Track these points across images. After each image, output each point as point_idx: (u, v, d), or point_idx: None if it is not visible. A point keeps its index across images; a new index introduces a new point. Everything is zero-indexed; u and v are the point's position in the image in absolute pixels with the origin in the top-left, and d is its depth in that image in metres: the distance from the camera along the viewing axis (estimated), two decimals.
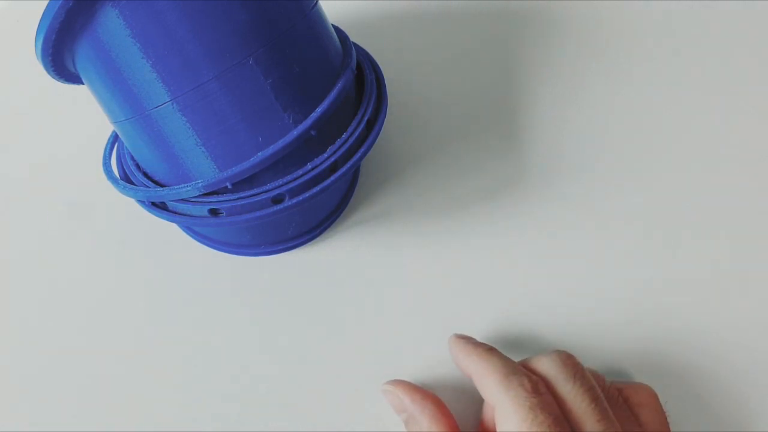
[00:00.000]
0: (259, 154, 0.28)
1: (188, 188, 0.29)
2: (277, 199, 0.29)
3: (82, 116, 0.41)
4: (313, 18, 0.29)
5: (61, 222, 0.39)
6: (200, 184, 0.28)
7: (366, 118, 0.30)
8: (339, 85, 0.29)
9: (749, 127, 0.41)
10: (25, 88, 0.43)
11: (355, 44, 0.34)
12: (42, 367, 0.35)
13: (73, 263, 0.37)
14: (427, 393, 0.29)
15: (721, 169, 0.40)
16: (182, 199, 0.30)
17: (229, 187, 0.29)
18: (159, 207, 0.31)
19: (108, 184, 0.33)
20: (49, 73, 0.29)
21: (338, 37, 0.33)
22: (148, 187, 0.31)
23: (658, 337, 0.35)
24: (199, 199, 0.29)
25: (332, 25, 0.34)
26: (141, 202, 0.32)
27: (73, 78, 0.30)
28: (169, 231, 0.38)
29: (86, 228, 0.38)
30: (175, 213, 0.31)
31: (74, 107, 0.41)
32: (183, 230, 0.38)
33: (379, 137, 0.32)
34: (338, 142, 0.29)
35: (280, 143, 0.28)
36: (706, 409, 0.33)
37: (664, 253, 0.37)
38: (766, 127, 0.41)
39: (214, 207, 0.29)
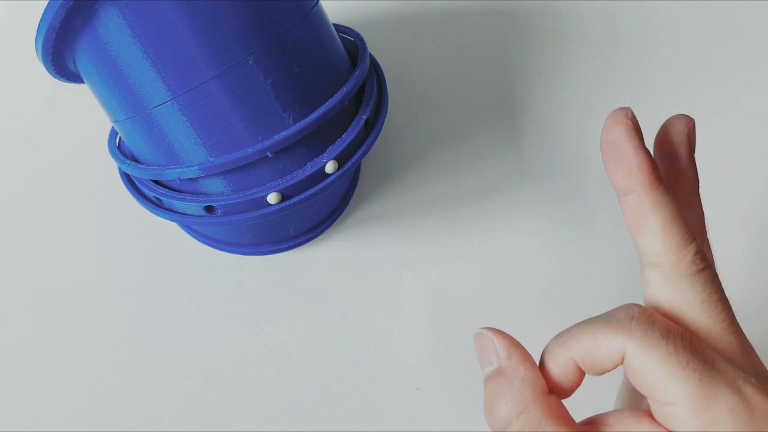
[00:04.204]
0: (256, 146, 0.28)
1: (184, 169, 0.28)
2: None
3: (83, 116, 0.41)
4: (313, 18, 0.29)
5: (62, 222, 0.39)
6: (196, 168, 0.28)
7: (365, 118, 0.30)
8: (344, 90, 0.29)
9: (756, 129, 0.41)
10: (26, 88, 0.43)
11: None
12: (42, 365, 0.35)
13: (73, 263, 0.37)
14: (527, 354, 0.23)
15: (723, 168, 0.40)
16: (178, 192, 0.30)
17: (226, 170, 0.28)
18: (157, 205, 0.31)
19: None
20: (49, 71, 0.29)
21: (353, 41, 0.33)
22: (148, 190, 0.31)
23: None
24: (196, 198, 0.29)
25: (350, 29, 0.34)
26: (139, 199, 0.32)
27: (73, 77, 0.30)
28: (170, 230, 0.38)
29: (87, 228, 0.38)
30: (173, 211, 0.31)
31: (75, 107, 0.41)
32: (183, 229, 0.38)
33: (379, 137, 0.31)
34: (338, 142, 0.29)
35: (277, 138, 0.27)
36: None
37: None
38: None
39: (211, 204, 0.29)
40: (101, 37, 0.26)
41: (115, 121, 0.30)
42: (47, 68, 0.29)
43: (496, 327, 0.31)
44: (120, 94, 0.28)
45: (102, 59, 0.27)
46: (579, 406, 0.23)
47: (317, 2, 0.30)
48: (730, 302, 0.21)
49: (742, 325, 0.21)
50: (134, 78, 0.27)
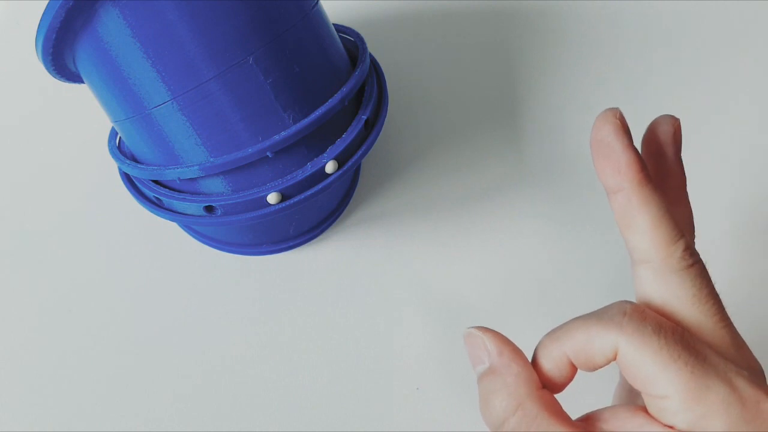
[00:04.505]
0: (256, 146, 0.28)
1: (184, 169, 0.28)
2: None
3: (83, 116, 0.41)
4: (313, 18, 0.29)
5: (62, 222, 0.39)
6: (196, 168, 0.28)
7: (365, 118, 0.30)
8: (344, 90, 0.29)
9: (756, 129, 0.41)
10: (25, 88, 0.43)
11: None
12: (42, 365, 0.35)
13: (73, 263, 0.38)
14: (518, 350, 0.23)
15: (724, 169, 0.40)
16: (179, 192, 0.30)
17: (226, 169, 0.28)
18: (157, 205, 0.31)
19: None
20: (49, 71, 0.29)
21: (353, 41, 0.33)
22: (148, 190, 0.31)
23: None
24: (196, 198, 0.29)
25: (350, 29, 0.34)
26: (139, 199, 0.32)
27: (73, 77, 0.30)
28: (170, 230, 0.38)
29: (87, 228, 0.38)
30: (173, 211, 0.31)
31: (75, 107, 0.41)
32: (183, 229, 0.38)
33: (379, 137, 0.31)
34: (338, 142, 0.29)
35: (277, 138, 0.28)
36: None
37: None
38: None
39: (211, 204, 0.29)
40: (101, 37, 0.26)
41: (115, 121, 0.30)
42: (47, 68, 0.29)
43: (496, 327, 0.31)
44: (120, 94, 0.28)
45: (102, 59, 0.27)
46: (577, 404, 0.23)
47: (317, 2, 0.30)
48: (722, 299, 0.21)
49: (740, 325, 0.21)
50: (134, 78, 0.27)
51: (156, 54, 0.26)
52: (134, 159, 0.32)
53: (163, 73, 0.26)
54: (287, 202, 0.29)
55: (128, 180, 0.33)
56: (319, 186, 0.29)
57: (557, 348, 0.22)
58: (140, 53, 0.26)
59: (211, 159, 0.28)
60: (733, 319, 0.21)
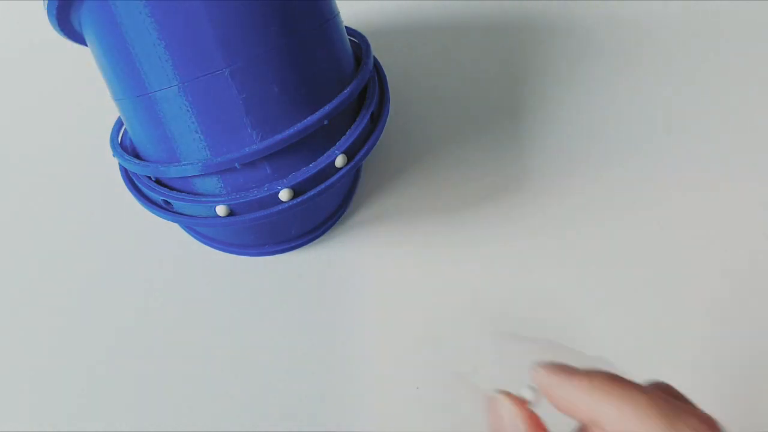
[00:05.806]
0: (262, 143, 0.28)
1: (187, 167, 0.28)
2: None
3: (84, 117, 0.41)
4: (332, 26, 0.30)
5: (64, 224, 0.38)
6: (199, 165, 0.28)
7: (371, 111, 0.31)
8: (352, 87, 0.30)
9: (755, 130, 0.42)
10: (27, 89, 0.43)
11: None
12: (41, 366, 0.35)
13: (74, 264, 0.37)
14: (534, 416, 0.23)
15: (724, 170, 0.40)
16: (188, 193, 0.30)
17: (238, 167, 0.28)
18: (164, 208, 0.31)
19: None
20: (51, 22, 0.29)
21: (357, 42, 0.34)
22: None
23: (661, 337, 0.35)
24: (203, 199, 0.29)
25: (358, 32, 0.35)
26: (146, 203, 0.31)
27: (76, 36, 0.30)
28: (171, 232, 0.38)
29: (89, 230, 0.38)
30: (182, 214, 0.30)
31: (75, 108, 0.41)
32: (185, 230, 0.38)
33: (380, 139, 0.32)
34: (344, 137, 0.30)
35: (285, 134, 0.28)
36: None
37: (666, 254, 0.37)
38: None
39: (222, 204, 0.29)
40: (109, 6, 0.26)
41: (118, 99, 0.30)
42: (51, 21, 0.28)
43: (499, 326, 0.31)
44: (125, 69, 0.27)
45: (108, 28, 0.27)
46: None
47: (337, 14, 0.31)
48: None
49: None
50: (141, 60, 0.26)
51: (168, 37, 0.26)
52: (137, 156, 0.32)
53: (175, 58, 0.26)
54: (300, 198, 0.29)
55: (132, 184, 0.33)
56: (330, 180, 0.29)
57: (584, 406, 0.21)
58: (155, 35, 0.26)
59: (213, 157, 0.28)
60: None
